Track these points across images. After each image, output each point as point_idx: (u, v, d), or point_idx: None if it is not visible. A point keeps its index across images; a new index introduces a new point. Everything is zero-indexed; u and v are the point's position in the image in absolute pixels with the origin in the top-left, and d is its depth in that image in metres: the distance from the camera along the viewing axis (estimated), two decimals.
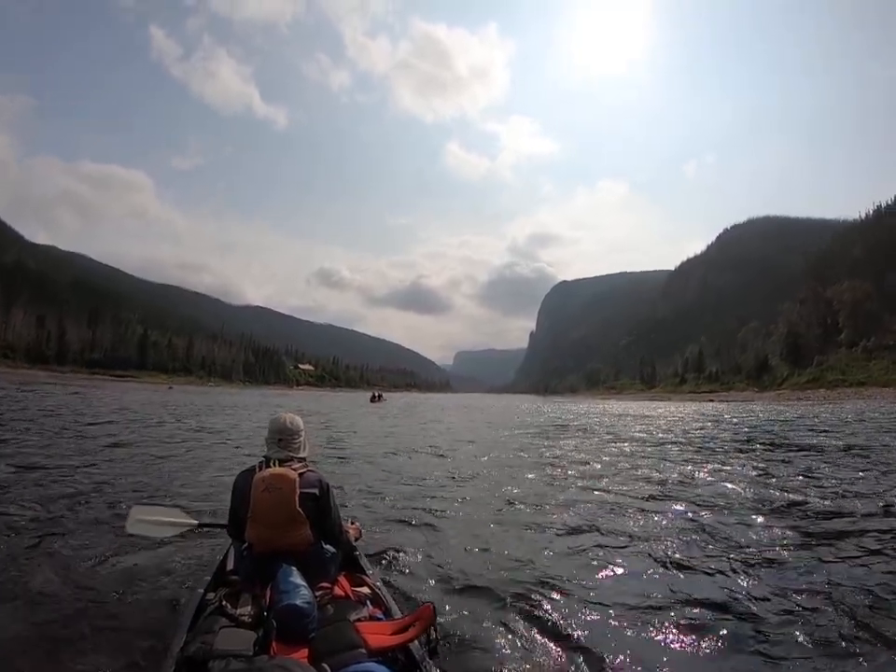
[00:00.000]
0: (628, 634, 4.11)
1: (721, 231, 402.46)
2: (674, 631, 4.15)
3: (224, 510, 4.17)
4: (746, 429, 26.69)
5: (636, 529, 7.05)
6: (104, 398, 40.19)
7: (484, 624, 4.16)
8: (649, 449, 17.55)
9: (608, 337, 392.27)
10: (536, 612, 4.38)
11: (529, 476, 11.60)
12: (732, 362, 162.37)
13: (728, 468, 12.90)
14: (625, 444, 19.03)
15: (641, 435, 23.51)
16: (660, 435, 23.32)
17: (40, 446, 13.13)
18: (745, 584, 5.12)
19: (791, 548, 6.30)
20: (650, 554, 6.02)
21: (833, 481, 10.81)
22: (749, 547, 6.34)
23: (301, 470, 3.62)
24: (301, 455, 3.83)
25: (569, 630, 4.08)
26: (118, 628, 3.98)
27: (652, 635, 4.11)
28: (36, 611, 4.20)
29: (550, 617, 4.30)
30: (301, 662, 2.35)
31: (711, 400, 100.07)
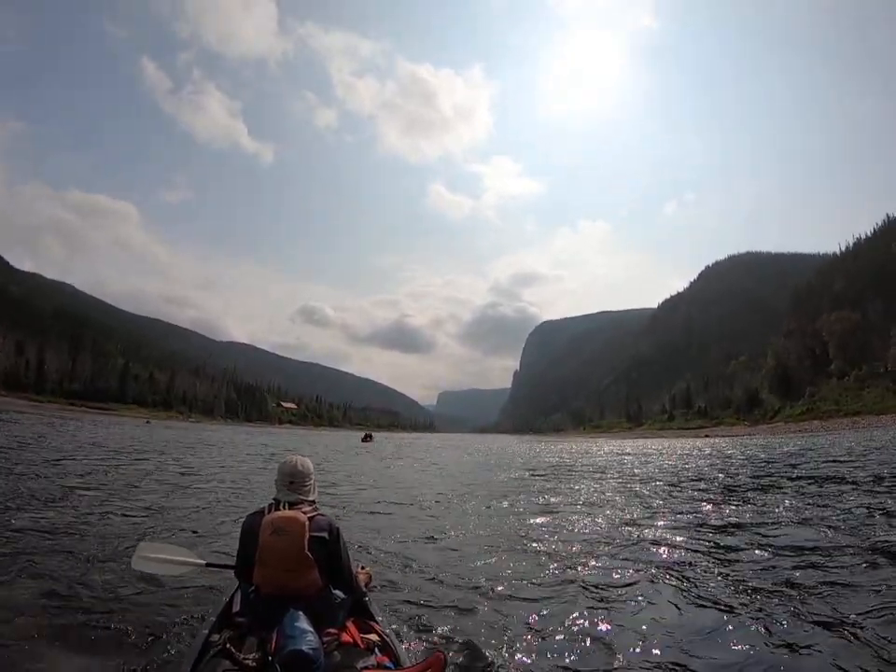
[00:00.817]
0: None
1: (703, 268, 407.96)
2: None
3: (230, 552, 4.73)
4: (762, 464, 25.60)
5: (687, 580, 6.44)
6: (77, 431, 38.55)
7: None
8: (671, 490, 16.26)
9: (592, 376, 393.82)
10: (550, 665, 4.19)
11: (539, 521, 10.89)
12: (720, 397, 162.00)
13: (775, 507, 11.83)
14: (638, 485, 17.77)
15: (652, 473, 22.51)
16: (671, 473, 22.30)
17: None
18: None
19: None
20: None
21: None
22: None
23: (311, 514, 3.61)
24: (310, 499, 3.79)
25: None
26: (119, 668, 3.91)
27: None
28: (35, 648, 4.12)
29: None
30: None
31: (707, 436, 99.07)
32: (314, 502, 3.80)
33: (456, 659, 4.17)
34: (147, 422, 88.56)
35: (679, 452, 41.96)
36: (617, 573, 6.81)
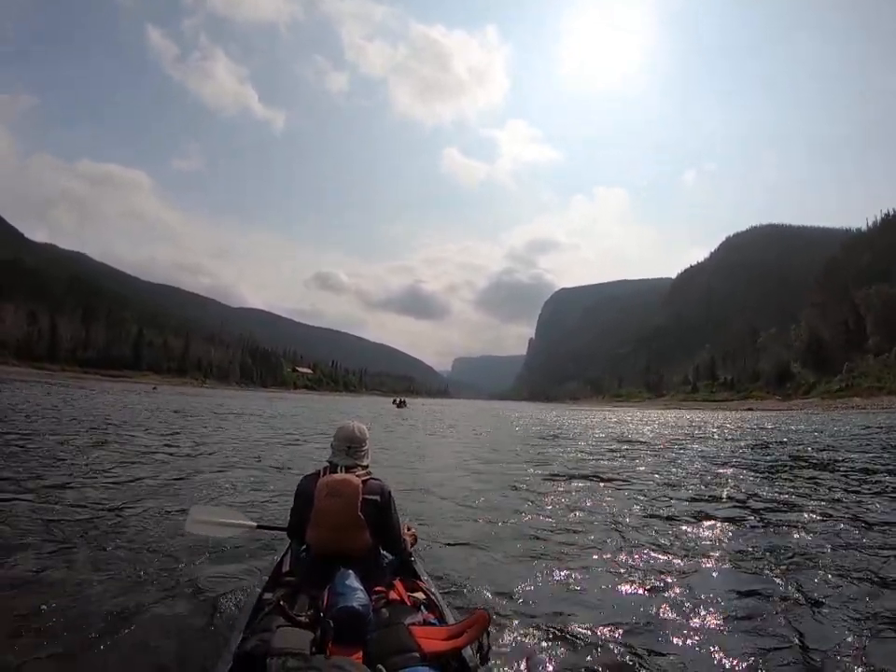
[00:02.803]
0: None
1: (724, 238, 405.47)
2: None
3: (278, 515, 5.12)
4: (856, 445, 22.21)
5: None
6: (73, 398, 35.51)
7: (538, 636, 4.09)
8: (771, 476, 13.35)
9: (608, 345, 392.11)
10: (593, 630, 4.20)
11: (602, 493, 10.42)
12: (747, 370, 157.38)
13: None
14: (721, 468, 14.76)
15: (725, 452, 19.56)
16: (752, 454, 19.13)
17: None
18: None
19: None
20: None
21: None
22: None
23: (365, 477, 3.69)
24: (364, 463, 3.89)
25: (626, 654, 3.87)
26: (176, 626, 4.03)
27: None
28: (96, 608, 4.24)
29: (606, 637, 4.13)
30: (357, 663, 2.43)
31: (751, 409, 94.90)
32: (367, 466, 3.87)
33: (500, 619, 4.23)
34: (154, 388, 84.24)
35: (734, 425, 38.96)
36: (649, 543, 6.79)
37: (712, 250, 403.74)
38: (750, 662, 3.77)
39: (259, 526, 4.81)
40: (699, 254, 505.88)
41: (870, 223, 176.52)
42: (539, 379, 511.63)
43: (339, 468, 3.73)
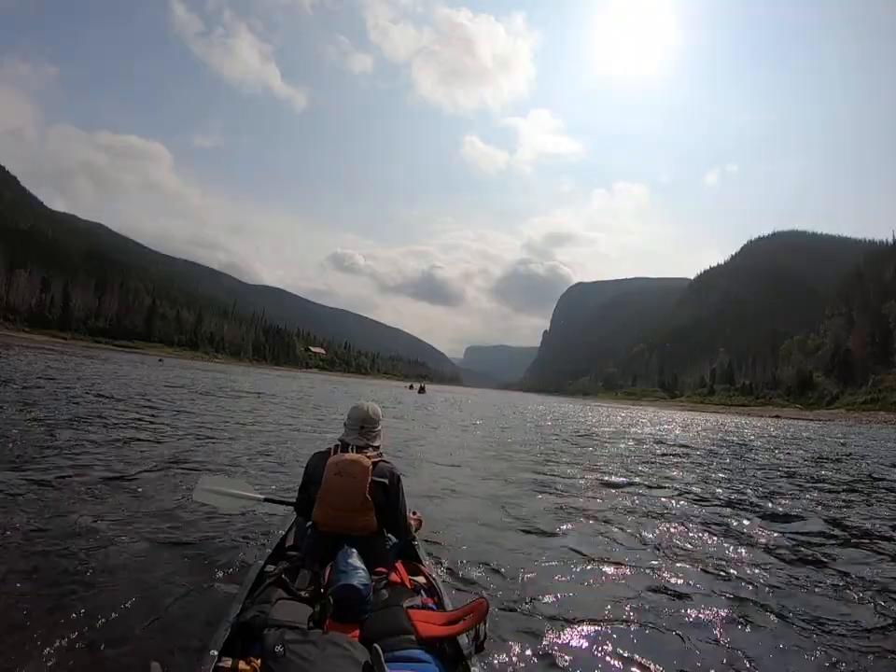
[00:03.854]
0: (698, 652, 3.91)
1: (745, 242, 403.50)
2: None
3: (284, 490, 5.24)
4: None
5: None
6: (62, 366, 33.14)
7: (536, 629, 4.06)
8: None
9: (622, 342, 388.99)
10: (593, 627, 4.17)
11: (651, 500, 9.49)
12: (766, 376, 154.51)
13: None
14: (783, 479, 13.56)
15: (783, 462, 18.05)
16: (817, 467, 17.17)
17: None
18: None
19: None
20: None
21: None
22: None
23: (376, 459, 3.70)
24: (376, 444, 3.91)
25: (629, 648, 3.86)
26: (175, 594, 4.06)
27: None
28: (95, 574, 4.28)
29: (607, 631, 4.12)
30: (354, 640, 2.47)
31: (778, 416, 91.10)
32: (378, 448, 3.89)
33: (499, 610, 4.23)
34: (160, 360, 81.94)
35: (770, 433, 36.91)
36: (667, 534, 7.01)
37: (732, 253, 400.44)
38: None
39: (266, 499, 4.87)
40: (718, 256, 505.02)
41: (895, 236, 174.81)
42: (551, 372, 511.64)
43: (350, 447, 3.73)
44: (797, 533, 7.67)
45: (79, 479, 7.02)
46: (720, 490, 11.04)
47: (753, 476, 13.76)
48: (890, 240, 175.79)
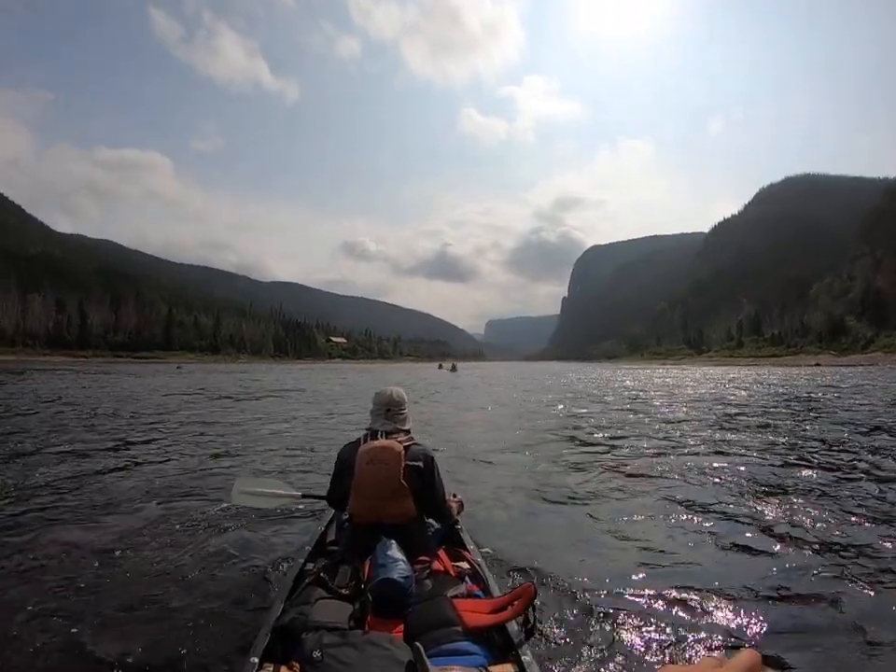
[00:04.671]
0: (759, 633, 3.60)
1: (758, 190, 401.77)
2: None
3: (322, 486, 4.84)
4: None
5: None
6: (83, 385, 32.08)
7: (587, 614, 3.85)
8: None
9: (642, 302, 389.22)
10: (646, 612, 3.89)
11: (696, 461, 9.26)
12: (795, 324, 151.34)
13: None
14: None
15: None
16: None
17: None
18: None
19: None
20: None
21: None
22: None
23: (407, 443, 3.58)
24: (406, 428, 3.79)
25: (685, 630, 3.63)
26: (217, 596, 4.03)
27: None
28: (135, 577, 4.34)
29: (663, 618, 3.81)
30: (395, 639, 2.39)
31: (818, 364, 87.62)
32: (409, 431, 3.76)
33: (546, 593, 4.04)
34: (178, 368, 79.61)
35: (822, 383, 33.63)
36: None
37: (745, 202, 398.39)
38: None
39: (303, 496, 4.79)
40: (731, 206, 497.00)
41: None
42: (573, 338, 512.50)
43: (379, 433, 3.61)
44: None
45: (107, 493, 6.98)
46: (819, 455, 9.73)
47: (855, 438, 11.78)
48: None
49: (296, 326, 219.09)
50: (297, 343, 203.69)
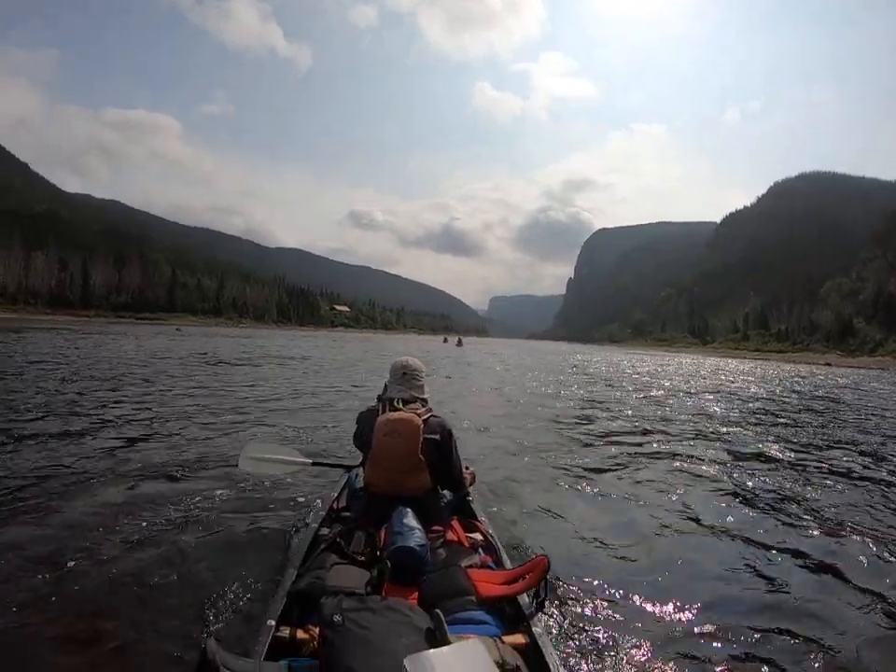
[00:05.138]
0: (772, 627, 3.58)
1: (772, 183, 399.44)
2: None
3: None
4: None
5: None
6: (83, 345, 31.04)
7: (600, 588, 3.93)
8: None
9: (648, 288, 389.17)
10: (660, 589, 3.97)
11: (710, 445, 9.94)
12: (803, 321, 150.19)
13: None
14: None
15: None
16: None
17: None
18: None
19: None
20: None
21: None
22: None
23: (426, 416, 3.58)
24: (424, 396, 3.81)
25: (693, 611, 3.70)
26: (230, 563, 4.03)
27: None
28: (148, 546, 4.29)
29: (672, 591, 3.92)
30: (414, 605, 2.41)
31: (829, 364, 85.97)
32: (426, 402, 3.76)
33: (560, 567, 4.02)
34: (178, 329, 78.79)
35: (839, 383, 32.86)
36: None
37: (759, 195, 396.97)
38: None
39: (314, 463, 4.89)
40: (743, 198, 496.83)
41: None
42: (577, 320, 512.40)
43: (396, 400, 3.59)
44: None
45: (114, 456, 6.91)
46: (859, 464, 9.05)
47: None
48: None
49: (300, 292, 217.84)
50: (300, 309, 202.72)
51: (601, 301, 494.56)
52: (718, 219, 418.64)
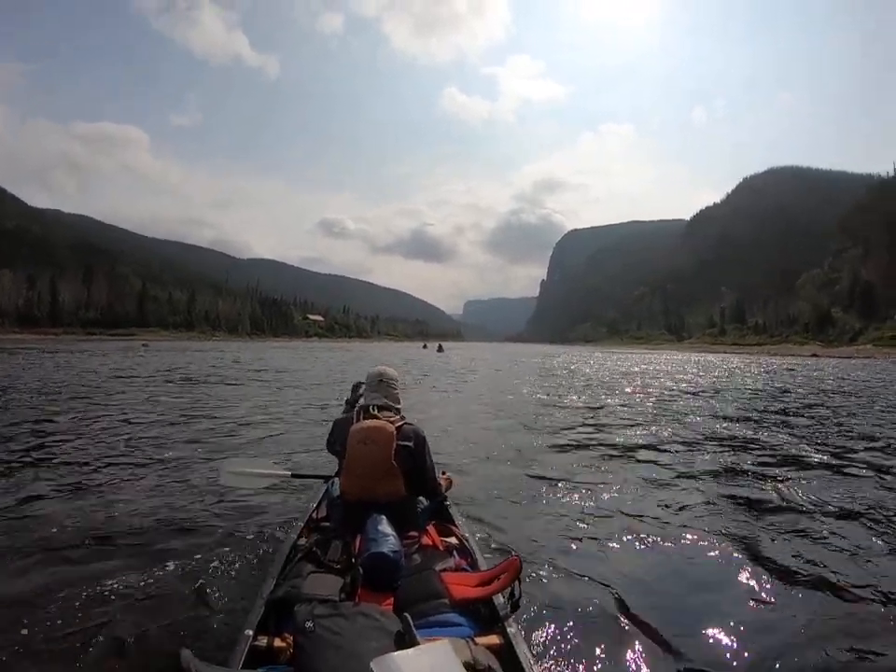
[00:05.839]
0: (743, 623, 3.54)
1: (741, 180, 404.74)
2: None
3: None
4: None
5: None
6: (38, 366, 28.82)
7: (572, 586, 4.00)
8: None
9: (622, 287, 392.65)
10: (630, 584, 4.05)
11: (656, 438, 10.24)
12: (780, 313, 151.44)
13: None
14: None
15: None
16: None
17: None
18: None
19: None
20: None
21: None
22: None
23: (399, 423, 3.62)
24: (398, 406, 3.85)
25: (663, 612, 3.65)
26: (210, 575, 4.03)
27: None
28: (125, 556, 4.33)
29: (647, 591, 3.96)
30: (385, 610, 2.43)
31: (815, 355, 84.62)
32: (399, 410, 3.80)
33: (533, 567, 4.18)
34: (144, 345, 73.32)
35: (835, 374, 31.80)
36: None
37: (728, 191, 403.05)
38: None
39: (294, 475, 4.99)
40: (713, 195, 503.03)
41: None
42: (552, 321, 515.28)
43: (371, 407, 3.66)
44: None
45: (94, 468, 7.03)
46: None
47: None
48: (889, 173, 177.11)
49: (272, 303, 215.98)
50: (273, 320, 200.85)
51: (574, 302, 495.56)
52: (688, 217, 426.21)
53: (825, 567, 4.38)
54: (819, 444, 9.68)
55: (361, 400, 3.97)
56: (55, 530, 4.83)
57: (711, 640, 3.33)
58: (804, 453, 8.95)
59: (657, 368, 39.51)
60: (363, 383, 4.13)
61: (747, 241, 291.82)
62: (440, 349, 79.47)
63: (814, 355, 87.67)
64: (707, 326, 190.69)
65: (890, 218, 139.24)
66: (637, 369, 38.17)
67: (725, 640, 3.31)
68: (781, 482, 6.97)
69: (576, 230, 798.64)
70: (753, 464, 8.07)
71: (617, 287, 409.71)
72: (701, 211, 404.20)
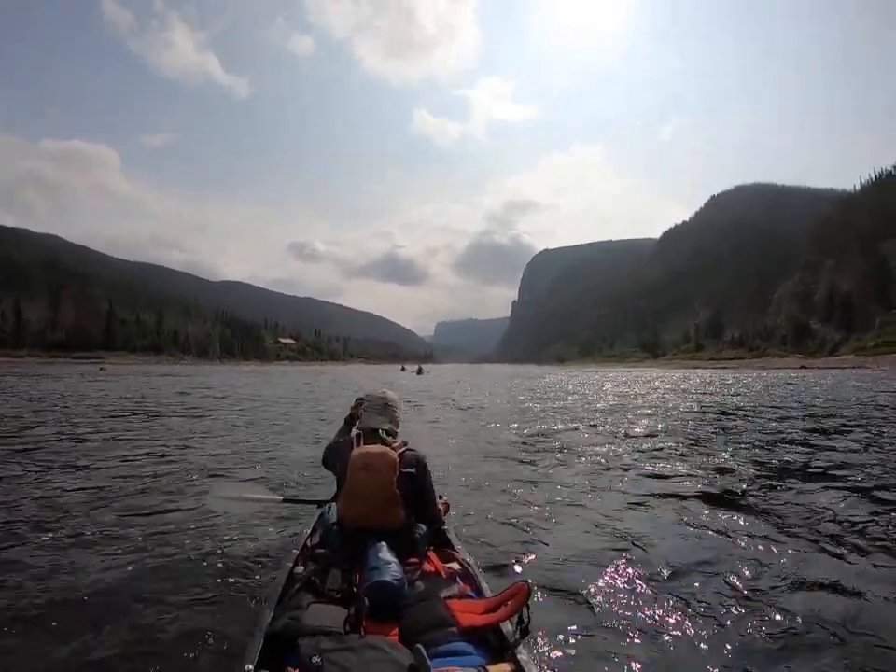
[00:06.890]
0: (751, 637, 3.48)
1: (709, 197, 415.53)
2: None
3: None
4: None
5: None
6: None
7: (583, 611, 3.85)
8: None
9: (593, 306, 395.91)
10: (647, 601, 3.95)
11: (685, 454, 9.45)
12: (757, 327, 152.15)
13: None
14: None
15: None
16: None
17: None
18: None
19: None
20: None
21: None
22: None
23: (401, 449, 3.52)
24: (398, 430, 3.80)
25: (672, 628, 3.60)
26: (203, 605, 3.91)
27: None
28: (117, 588, 4.15)
29: (659, 610, 3.82)
30: (394, 642, 2.37)
31: (804, 367, 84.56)
32: (397, 433, 3.75)
33: (542, 592, 4.06)
34: (102, 369, 70.00)
35: (857, 384, 29.30)
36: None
37: (697, 209, 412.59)
38: None
39: (285, 500, 4.84)
40: (682, 213, 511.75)
41: (863, 182, 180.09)
42: (524, 341, 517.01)
43: (381, 431, 3.58)
44: None
45: (79, 501, 6.46)
46: None
47: None
48: (856, 187, 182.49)
49: (243, 326, 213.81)
50: (244, 343, 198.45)
51: (546, 322, 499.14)
52: (658, 235, 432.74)
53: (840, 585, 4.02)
54: None
55: (360, 423, 3.77)
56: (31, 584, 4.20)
57: (737, 663, 3.14)
58: None
59: (655, 385, 37.53)
60: (364, 399, 3.90)
61: (716, 257, 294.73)
62: (419, 371, 76.94)
63: (802, 367, 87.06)
64: (683, 341, 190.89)
65: (862, 231, 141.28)
66: (636, 389, 34.84)
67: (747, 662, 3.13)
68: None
69: (546, 250, 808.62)
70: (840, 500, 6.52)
71: (587, 305, 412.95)
72: (670, 229, 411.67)
